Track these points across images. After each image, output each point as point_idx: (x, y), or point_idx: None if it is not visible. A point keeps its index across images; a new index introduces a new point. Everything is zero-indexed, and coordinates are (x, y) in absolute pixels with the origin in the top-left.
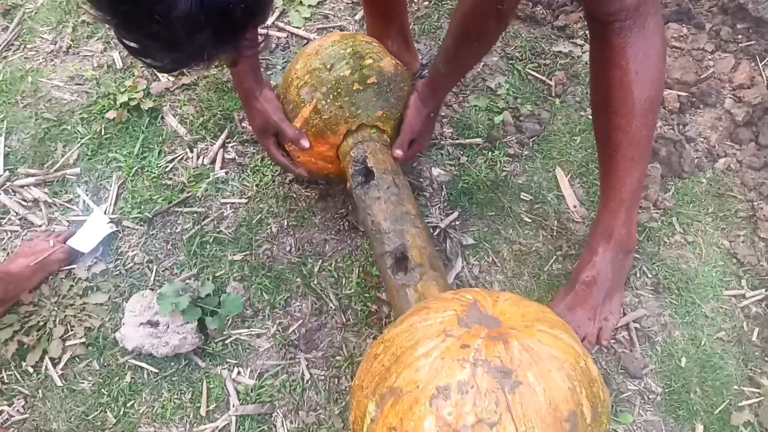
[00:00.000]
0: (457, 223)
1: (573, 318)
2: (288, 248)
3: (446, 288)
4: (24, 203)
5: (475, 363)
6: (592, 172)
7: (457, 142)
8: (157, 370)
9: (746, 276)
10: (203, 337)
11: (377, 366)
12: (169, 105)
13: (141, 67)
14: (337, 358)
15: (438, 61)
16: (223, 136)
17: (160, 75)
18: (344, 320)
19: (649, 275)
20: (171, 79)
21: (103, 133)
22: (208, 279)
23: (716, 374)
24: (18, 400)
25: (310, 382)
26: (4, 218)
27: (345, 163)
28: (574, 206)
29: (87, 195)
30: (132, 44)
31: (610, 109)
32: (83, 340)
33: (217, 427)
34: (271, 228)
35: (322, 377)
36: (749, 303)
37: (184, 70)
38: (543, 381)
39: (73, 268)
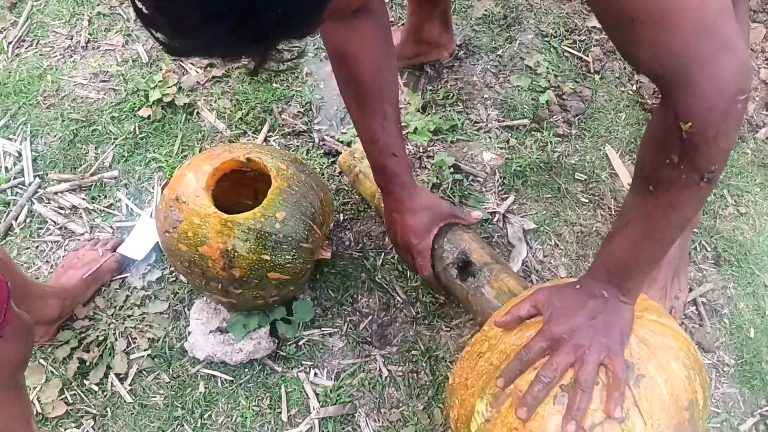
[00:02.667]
0: (515, 207)
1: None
2: (347, 243)
3: (518, 278)
4: (61, 211)
5: None
6: None
7: (503, 124)
8: (231, 378)
9: None
10: (276, 341)
11: (484, 364)
12: (204, 99)
13: (170, 60)
14: (413, 352)
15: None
16: (265, 129)
17: (189, 68)
18: (414, 314)
19: (709, 249)
20: (200, 71)
21: (137, 132)
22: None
23: None
24: (87, 420)
25: (388, 378)
26: (42, 228)
27: None
28: (628, 183)
29: (129, 199)
30: (141, 7)
31: None
32: (148, 352)
33: (301, 431)
34: (329, 225)
35: (400, 373)
36: None
37: (204, 59)
38: (663, 372)
39: (126, 277)
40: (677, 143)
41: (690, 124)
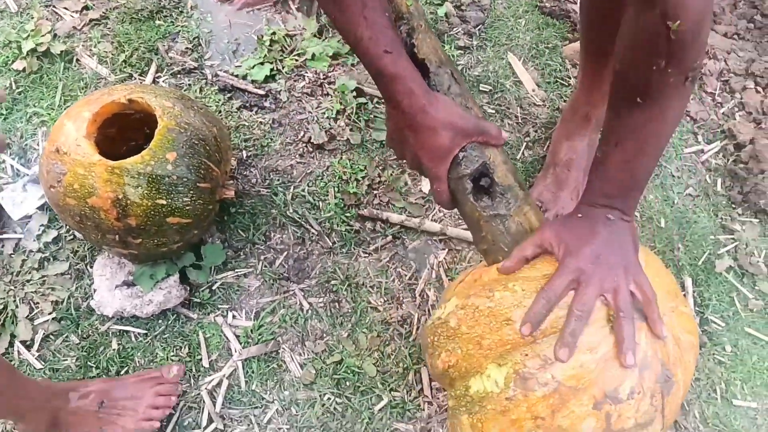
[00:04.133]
0: None
1: (557, 201)
2: (254, 180)
3: (539, 213)
4: None
5: (642, 367)
6: (543, 53)
7: None
8: (145, 331)
9: (701, 132)
10: (188, 288)
11: (512, 335)
12: (82, 45)
13: (41, 6)
14: (332, 282)
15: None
16: (152, 71)
17: (63, 13)
18: (330, 244)
19: None
20: (75, 15)
21: (14, 87)
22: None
23: (693, 229)
24: None
25: (309, 311)
26: None
27: None
28: (533, 90)
29: (14, 159)
30: None
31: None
32: (53, 315)
33: (225, 375)
34: (230, 162)
35: (321, 304)
36: (708, 156)
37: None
38: (685, 375)
39: (20, 240)
40: (665, 45)
41: (679, 22)
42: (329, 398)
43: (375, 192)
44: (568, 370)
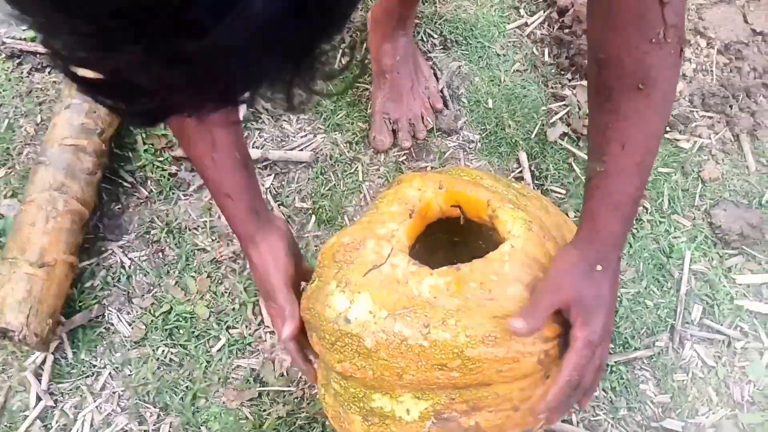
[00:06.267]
0: None
1: (401, 106)
2: None
3: None
4: None
5: None
6: None
7: None
8: None
9: (522, 5)
10: None
11: (440, 377)
12: None
13: None
14: (153, 232)
15: (589, 157)
16: None
17: None
18: (147, 193)
19: (435, 35)
20: None
21: None
22: None
23: (523, 103)
24: None
25: (132, 267)
26: None
27: None
28: None
29: None
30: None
31: None
32: None
33: (49, 350)
34: (25, 129)
35: (145, 257)
36: (532, 29)
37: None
38: None
39: None
40: (658, 11)
41: None
42: (163, 351)
43: None
44: (493, 420)
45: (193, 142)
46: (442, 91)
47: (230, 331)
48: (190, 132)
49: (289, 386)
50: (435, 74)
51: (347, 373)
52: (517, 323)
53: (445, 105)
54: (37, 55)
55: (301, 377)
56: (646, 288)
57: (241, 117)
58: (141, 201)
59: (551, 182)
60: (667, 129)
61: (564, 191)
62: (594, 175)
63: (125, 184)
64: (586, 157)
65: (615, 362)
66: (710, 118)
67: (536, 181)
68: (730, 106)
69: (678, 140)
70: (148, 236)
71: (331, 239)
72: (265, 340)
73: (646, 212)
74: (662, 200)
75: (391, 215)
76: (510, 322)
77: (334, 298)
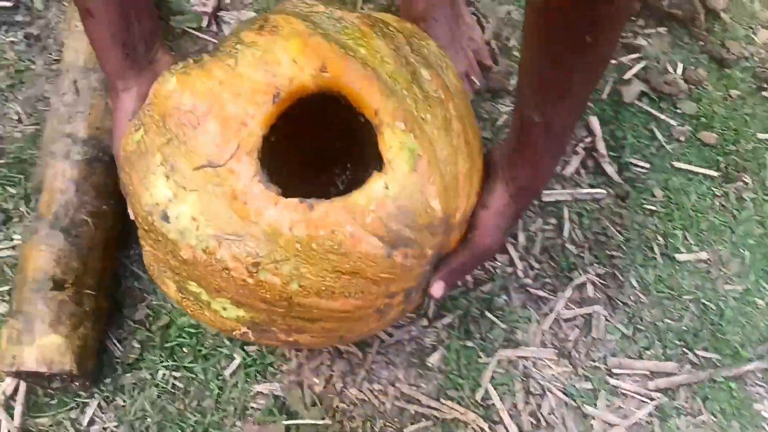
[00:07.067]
0: None
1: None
2: (16, 117)
3: None
4: None
5: None
6: None
7: None
8: None
9: None
10: None
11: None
12: None
13: None
14: None
15: (522, 104)
16: None
17: None
18: None
19: None
20: None
21: None
22: None
23: None
24: None
25: (121, 269)
26: None
27: None
28: None
29: None
30: None
31: None
32: None
33: None
34: None
35: (136, 256)
36: None
37: None
38: None
39: None
40: None
41: None
42: (164, 375)
43: None
44: (314, 341)
45: None
46: (489, 43)
47: (246, 348)
48: None
49: (323, 418)
50: (479, 22)
51: (159, 258)
52: (439, 291)
53: (494, 60)
54: None
55: (338, 405)
56: (755, 283)
57: None
58: None
59: (630, 153)
60: None
61: (647, 165)
62: (529, 122)
63: None
64: (673, 121)
65: (724, 377)
66: None
67: (612, 153)
68: None
69: None
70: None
71: (167, 80)
72: (290, 359)
73: (746, 187)
74: (765, 173)
75: (251, 88)
76: (431, 293)
77: (156, 179)
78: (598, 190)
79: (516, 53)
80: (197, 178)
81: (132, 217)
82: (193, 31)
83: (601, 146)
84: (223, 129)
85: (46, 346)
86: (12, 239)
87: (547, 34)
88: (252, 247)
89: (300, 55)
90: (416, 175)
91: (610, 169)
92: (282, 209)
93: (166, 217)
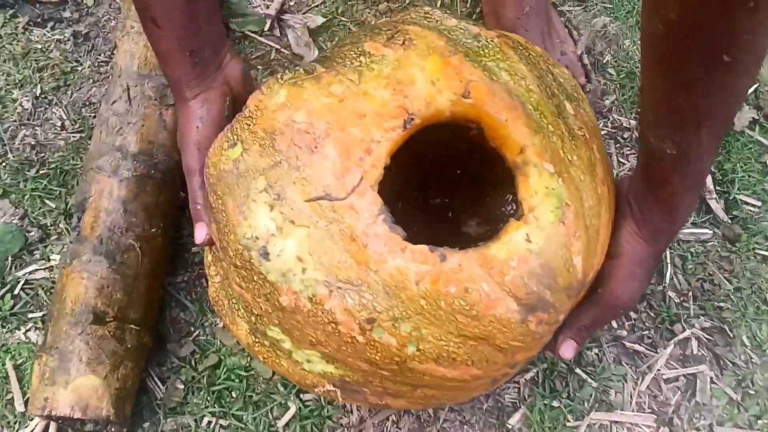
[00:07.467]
0: (291, 3)
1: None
2: (60, 123)
3: None
4: None
5: None
6: None
7: None
8: None
9: None
10: None
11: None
12: None
13: None
14: (196, 248)
15: (648, 134)
16: None
17: None
18: None
19: None
20: None
21: None
22: None
23: None
24: None
25: (165, 297)
26: None
27: None
28: None
29: None
30: None
31: None
32: None
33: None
34: (21, 104)
35: (183, 283)
36: None
37: None
38: None
39: None
40: None
41: None
42: (209, 422)
43: None
44: (406, 405)
45: None
46: (581, 58)
47: (302, 396)
48: None
49: None
50: (571, 35)
51: (246, 300)
52: (570, 352)
53: (587, 77)
54: (36, 5)
55: None
56: None
57: None
58: None
59: (740, 189)
60: None
61: (758, 203)
62: (661, 155)
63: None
64: None
65: None
66: None
67: (719, 189)
68: None
69: None
70: (188, 255)
71: (275, 92)
72: (351, 412)
73: None
74: None
75: (378, 110)
76: (561, 354)
77: (257, 208)
78: (704, 230)
79: (611, 70)
80: (308, 211)
81: (198, 241)
82: (254, 35)
83: (709, 181)
84: (344, 156)
85: (82, 388)
86: (49, 259)
87: (676, 53)
88: (368, 300)
89: (440, 76)
90: (563, 228)
91: (717, 207)
92: (408, 258)
93: (266, 254)
